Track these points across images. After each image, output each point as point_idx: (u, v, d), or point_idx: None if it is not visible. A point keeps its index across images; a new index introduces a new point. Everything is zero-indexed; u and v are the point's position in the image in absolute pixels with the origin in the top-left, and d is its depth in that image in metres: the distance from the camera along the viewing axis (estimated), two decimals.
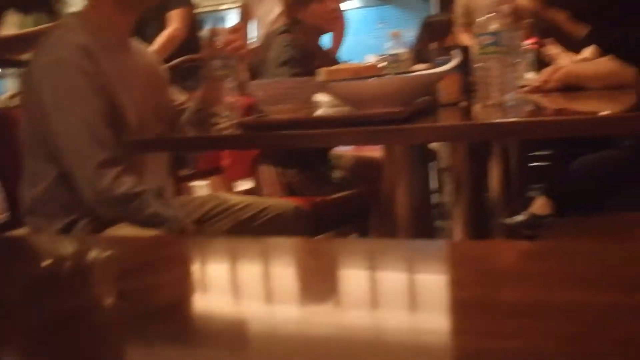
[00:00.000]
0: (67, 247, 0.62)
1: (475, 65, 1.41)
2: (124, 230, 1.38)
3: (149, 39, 2.59)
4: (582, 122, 1.10)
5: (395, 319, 0.34)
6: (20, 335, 0.35)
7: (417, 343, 0.31)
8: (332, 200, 2.08)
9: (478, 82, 1.40)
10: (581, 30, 1.37)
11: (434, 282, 0.42)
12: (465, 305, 0.35)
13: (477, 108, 1.43)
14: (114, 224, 1.41)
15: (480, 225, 1.73)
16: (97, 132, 1.37)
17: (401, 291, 0.40)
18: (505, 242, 0.43)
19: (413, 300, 0.38)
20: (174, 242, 0.59)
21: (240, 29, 1.49)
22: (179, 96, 1.80)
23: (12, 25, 2.02)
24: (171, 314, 0.36)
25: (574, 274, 0.39)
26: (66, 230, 1.43)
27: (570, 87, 1.61)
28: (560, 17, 1.53)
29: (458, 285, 0.39)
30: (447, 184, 2.79)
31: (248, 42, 3.04)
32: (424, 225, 1.48)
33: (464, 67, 1.54)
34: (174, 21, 2.71)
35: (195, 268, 0.48)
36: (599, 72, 1.43)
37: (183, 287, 0.42)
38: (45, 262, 0.56)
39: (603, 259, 0.42)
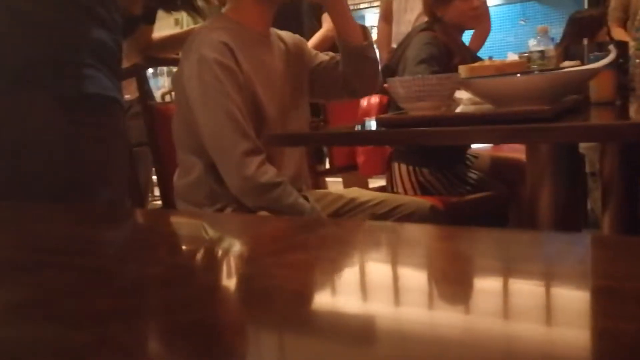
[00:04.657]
0: (218, 224, 0.66)
1: (634, 62, 1.31)
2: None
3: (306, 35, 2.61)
4: None
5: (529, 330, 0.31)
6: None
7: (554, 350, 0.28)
8: (468, 201, 2.03)
9: (636, 80, 1.31)
10: None
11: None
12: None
13: (634, 107, 1.33)
14: (255, 213, 1.48)
15: (632, 235, 1.60)
16: (239, 124, 1.43)
17: (539, 295, 0.37)
18: None
19: (553, 307, 0.34)
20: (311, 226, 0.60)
21: None
22: None
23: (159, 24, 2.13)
24: (299, 299, 0.36)
25: None
26: None
27: None
28: None
29: (610, 278, 0.36)
30: (594, 189, 2.61)
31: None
32: (569, 232, 1.39)
33: (620, 64, 1.44)
34: (328, 22, 2.76)
35: (322, 253, 0.48)
36: None
37: (311, 271, 0.43)
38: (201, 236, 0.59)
39: None
